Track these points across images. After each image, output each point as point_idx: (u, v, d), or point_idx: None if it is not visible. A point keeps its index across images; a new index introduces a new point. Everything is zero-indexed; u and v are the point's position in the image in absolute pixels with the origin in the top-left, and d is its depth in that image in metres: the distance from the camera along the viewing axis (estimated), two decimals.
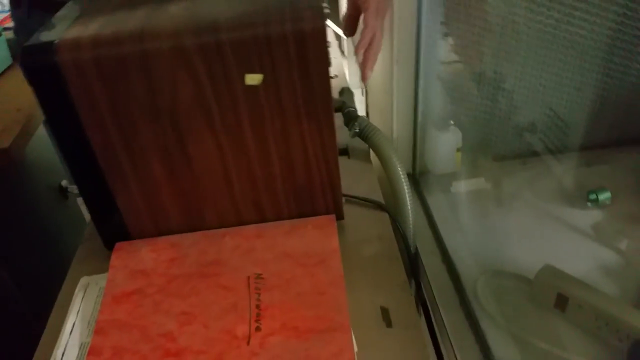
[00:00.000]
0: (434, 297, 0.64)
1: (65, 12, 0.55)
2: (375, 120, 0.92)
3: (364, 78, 0.66)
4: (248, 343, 0.47)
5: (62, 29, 0.50)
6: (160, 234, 0.59)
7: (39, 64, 0.48)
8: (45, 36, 0.49)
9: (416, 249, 0.70)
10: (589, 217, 0.72)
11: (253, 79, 0.51)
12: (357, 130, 0.74)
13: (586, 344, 0.55)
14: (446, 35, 0.84)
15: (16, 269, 1.18)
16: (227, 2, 0.53)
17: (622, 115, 0.79)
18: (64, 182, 1.43)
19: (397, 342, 0.49)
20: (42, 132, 1.22)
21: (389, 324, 0.50)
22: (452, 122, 0.82)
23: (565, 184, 0.81)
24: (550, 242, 0.70)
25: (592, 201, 0.73)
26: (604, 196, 0.73)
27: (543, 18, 0.73)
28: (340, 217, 0.61)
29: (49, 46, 0.47)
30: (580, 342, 0.56)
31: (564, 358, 0.54)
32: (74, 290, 0.57)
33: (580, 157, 0.83)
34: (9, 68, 1.27)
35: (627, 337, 0.51)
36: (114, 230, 0.58)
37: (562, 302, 0.57)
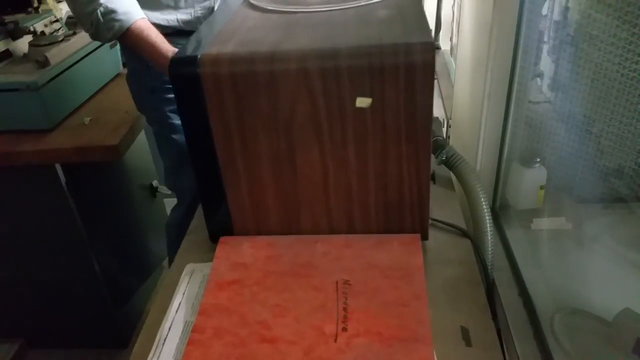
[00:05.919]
0: (509, 327, 0.66)
1: (206, 30, 0.63)
2: (457, 150, 0.94)
3: None
4: (335, 341, 0.51)
5: (204, 45, 0.58)
6: (259, 233, 0.65)
7: (183, 74, 0.55)
8: (190, 50, 0.57)
9: (493, 279, 0.72)
10: None
11: (363, 102, 0.56)
12: (444, 158, 0.77)
13: None
14: (538, 75, 0.87)
15: (103, 257, 1.29)
16: (346, 30, 0.59)
17: None
18: (155, 182, 1.56)
19: None
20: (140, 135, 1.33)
21: (468, 343, 0.53)
22: (538, 159, 0.83)
23: None
24: (628, 287, 0.70)
25: None
26: None
27: (638, 67, 0.74)
28: (424, 237, 0.65)
29: (193, 59, 0.55)
30: None
31: None
32: (178, 274, 0.64)
33: None
34: (118, 74, 1.42)
35: None
36: (220, 225, 0.65)
37: None
